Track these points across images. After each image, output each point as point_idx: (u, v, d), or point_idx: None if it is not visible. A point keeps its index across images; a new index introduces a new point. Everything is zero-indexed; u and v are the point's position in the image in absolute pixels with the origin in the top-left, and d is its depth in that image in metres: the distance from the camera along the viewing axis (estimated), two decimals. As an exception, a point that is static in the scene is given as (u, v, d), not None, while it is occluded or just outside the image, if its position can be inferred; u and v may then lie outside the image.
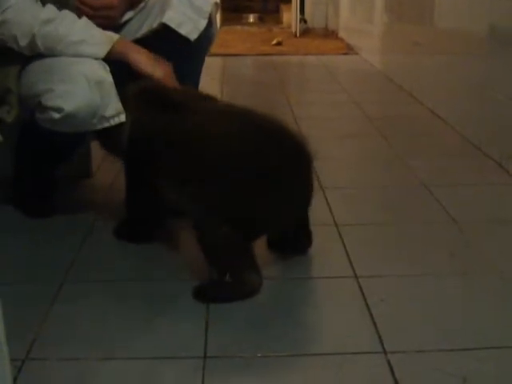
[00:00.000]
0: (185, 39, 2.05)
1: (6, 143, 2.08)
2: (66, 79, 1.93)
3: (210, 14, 2.10)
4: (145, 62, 2.03)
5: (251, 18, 8.55)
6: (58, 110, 1.92)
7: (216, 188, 1.70)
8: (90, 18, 2.05)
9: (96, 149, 2.64)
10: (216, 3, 2.14)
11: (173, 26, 2.03)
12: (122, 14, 2.16)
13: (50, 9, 2.01)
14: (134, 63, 2.02)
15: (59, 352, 1.52)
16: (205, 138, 1.76)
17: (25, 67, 2.07)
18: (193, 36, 2.06)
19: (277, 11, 8.64)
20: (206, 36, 2.11)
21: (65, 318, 1.67)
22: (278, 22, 8.17)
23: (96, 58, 1.99)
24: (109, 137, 1.99)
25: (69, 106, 1.90)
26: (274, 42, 6.42)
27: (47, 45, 1.98)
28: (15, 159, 2.30)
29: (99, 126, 1.96)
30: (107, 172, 2.68)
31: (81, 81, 1.91)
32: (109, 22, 2.10)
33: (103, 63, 1.99)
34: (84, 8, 2.08)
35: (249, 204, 1.69)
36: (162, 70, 2.03)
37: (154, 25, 2.08)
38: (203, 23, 2.07)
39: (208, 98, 1.99)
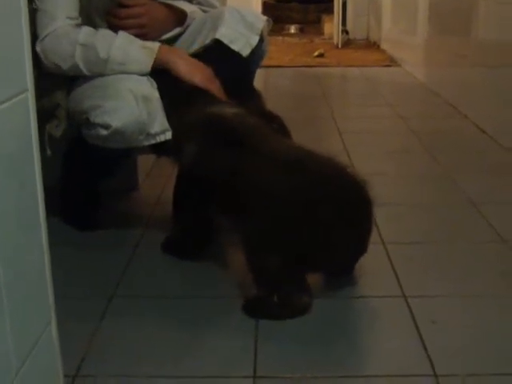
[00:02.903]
0: (237, 55, 2.06)
1: (54, 157, 2.10)
2: (114, 95, 1.94)
3: (262, 30, 2.10)
4: (183, 68, 2.02)
5: (292, 29, 8.53)
6: (106, 126, 1.93)
7: (272, 224, 1.70)
8: (120, 28, 2.06)
9: (142, 162, 2.67)
10: (268, 19, 2.15)
11: (225, 41, 2.04)
12: (165, 27, 2.18)
13: (87, 32, 2.01)
14: (173, 69, 2.02)
15: (108, 368, 1.53)
16: (266, 180, 1.75)
17: (73, 83, 2.09)
18: (245, 52, 2.07)
19: (317, 22, 8.62)
20: (258, 52, 2.12)
21: (114, 333, 1.68)
22: (319, 32, 8.15)
23: (143, 74, 2.00)
24: (166, 152, 2.01)
25: (116, 122, 1.91)
26: (316, 53, 6.40)
27: (92, 70, 2.00)
28: (62, 172, 2.31)
29: (145, 143, 1.97)
30: (153, 185, 2.69)
31: (128, 97, 1.92)
32: (143, 31, 2.10)
33: (150, 79, 2.00)
34: (110, 19, 2.10)
35: (301, 243, 1.69)
36: (201, 75, 2.03)
37: (207, 41, 2.09)
38: (255, 39, 2.08)
39: (274, 118, 1.99)
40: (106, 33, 2.02)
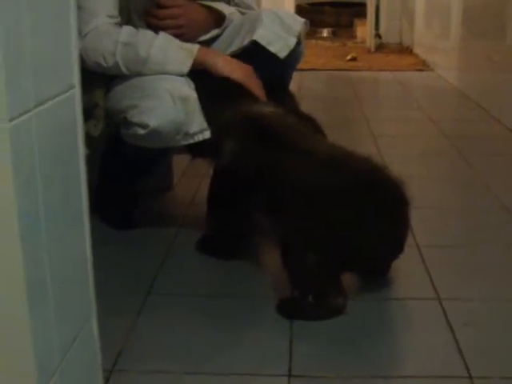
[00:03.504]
0: (274, 57, 2.07)
1: (91, 156, 2.11)
2: (151, 95, 1.96)
3: (300, 33, 2.11)
4: (222, 64, 2.04)
5: (325, 33, 8.52)
6: (143, 125, 1.95)
7: (310, 222, 1.71)
8: (158, 28, 2.08)
9: (177, 162, 2.69)
10: (305, 22, 2.15)
11: (263, 43, 2.05)
12: (203, 28, 2.20)
13: (128, 31, 2.03)
14: (212, 67, 2.04)
15: (144, 364, 1.55)
16: (304, 178, 1.76)
17: (111, 82, 2.11)
18: (283, 54, 2.07)
19: (350, 26, 8.61)
20: (295, 54, 2.12)
21: (149, 330, 1.70)
22: (352, 36, 8.14)
23: (181, 75, 2.02)
24: (202, 153, 2.02)
25: (154, 122, 1.92)
26: (349, 57, 6.40)
27: (131, 69, 2.02)
28: (99, 171, 2.33)
29: (183, 143, 1.98)
30: (188, 185, 2.71)
31: (166, 97, 1.93)
32: (181, 31, 2.11)
33: (188, 80, 2.01)
34: (148, 19, 2.12)
35: (339, 241, 1.70)
36: (240, 71, 2.05)
37: (245, 42, 2.10)
38: (293, 41, 2.08)
39: (309, 120, 2.00)
40: (146, 33, 2.04)
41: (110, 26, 2.04)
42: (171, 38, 2.05)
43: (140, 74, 2.02)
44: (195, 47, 2.04)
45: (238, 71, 2.04)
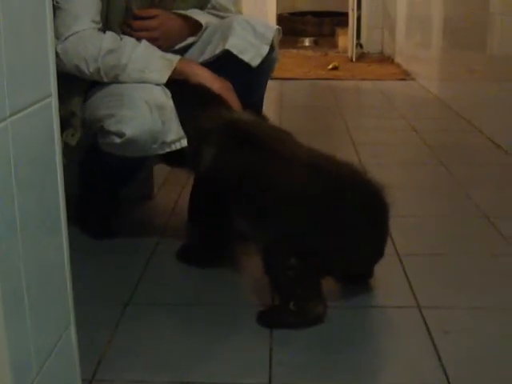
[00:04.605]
0: (247, 65, 2.08)
1: (69, 165, 2.10)
2: (128, 104, 1.96)
3: (272, 40, 2.12)
4: (203, 75, 2.05)
5: (306, 42, 8.55)
6: (120, 134, 1.94)
7: (291, 227, 1.72)
8: (134, 38, 2.08)
9: (157, 170, 2.68)
10: (278, 29, 2.16)
11: (235, 52, 2.06)
12: (178, 38, 2.20)
13: (111, 37, 2.03)
14: (193, 77, 2.04)
15: (124, 374, 1.54)
16: (285, 182, 1.77)
17: (88, 92, 2.11)
18: (255, 62, 2.08)
19: (332, 35, 8.64)
20: (268, 61, 2.13)
21: (129, 339, 1.69)
22: (334, 45, 8.16)
23: (159, 84, 2.01)
24: (180, 162, 2.02)
25: (130, 130, 1.92)
26: (331, 66, 6.42)
27: (110, 74, 2.02)
28: (79, 180, 2.32)
29: (160, 151, 1.98)
30: (168, 194, 2.71)
31: (142, 106, 1.93)
32: (156, 44, 2.10)
33: (164, 88, 2.01)
34: (125, 28, 2.12)
35: (321, 245, 1.70)
36: (219, 83, 2.05)
37: (217, 51, 2.11)
38: (265, 49, 2.09)
39: (285, 134, 2.01)
40: (129, 40, 2.04)
41: (94, 31, 2.04)
42: (153, 47, 2.05)
43: (119, 81, 2.01)
44: (176, 58, 2.05)
45: (218, 83, 2.05)
